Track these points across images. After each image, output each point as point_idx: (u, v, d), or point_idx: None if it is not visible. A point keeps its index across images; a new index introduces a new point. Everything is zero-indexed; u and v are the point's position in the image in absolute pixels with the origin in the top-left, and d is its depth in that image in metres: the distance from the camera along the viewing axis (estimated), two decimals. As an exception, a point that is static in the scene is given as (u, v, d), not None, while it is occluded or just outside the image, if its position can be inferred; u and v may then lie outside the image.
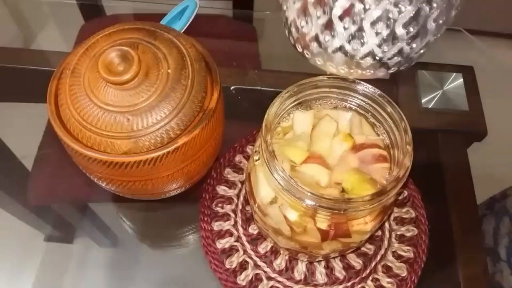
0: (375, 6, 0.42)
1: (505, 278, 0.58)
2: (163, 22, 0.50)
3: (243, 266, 0.44)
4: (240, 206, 0.48)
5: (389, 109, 0.37)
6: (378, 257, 0.45)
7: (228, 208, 0.48)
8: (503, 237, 0.59)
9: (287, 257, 0.45)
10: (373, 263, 0.45)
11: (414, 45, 0.47)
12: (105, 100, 0.36)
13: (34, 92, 0.52)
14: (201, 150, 0.39)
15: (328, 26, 0.46)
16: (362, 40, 0.46)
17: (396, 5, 0.42)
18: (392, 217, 0.48)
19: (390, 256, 0.45)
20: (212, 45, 0.45)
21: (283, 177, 0.33)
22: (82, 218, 0.52)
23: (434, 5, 0.43)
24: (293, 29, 0.51)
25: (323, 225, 0.35)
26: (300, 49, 0.52)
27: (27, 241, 0.50)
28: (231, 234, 0.46)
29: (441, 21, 0.46)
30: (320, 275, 0.44)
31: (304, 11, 0.47)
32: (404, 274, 0.44)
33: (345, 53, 0.48)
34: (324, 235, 0.36)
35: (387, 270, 0.45)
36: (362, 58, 0.48)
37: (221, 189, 0.49)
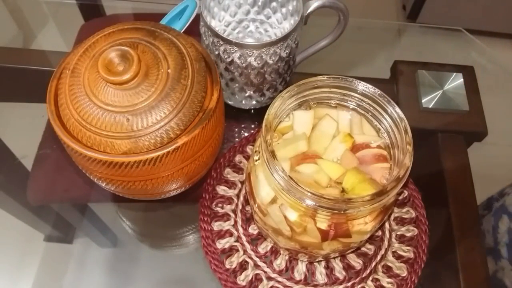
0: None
1: (507, 275, 0.59)
2: (163, 22, 0.50)
3: (243, 266, 0.44)
4: (240, 206, 0.48)
5: (389, 109, 0.37)
6: (378, 257, 0.45)
7: (228, 208, 0.48)
8: (503, 236, 0.60)
9: (287, 257, 0.45)
10: (373, 263, 0.45)
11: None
12: (105, 100, 0.36)
13: (34, 92, 0.52)
14: (201, 150, 0.39)
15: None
16: None
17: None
18: (392, 217, 0.48)
19: (390, 256, 0.45)
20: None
21: (283, 177, 0.33)
22: (82, 218, 0.52)
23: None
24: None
25: (323, 225, 0.35)
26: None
27: (27, 241, 0.50)
28: (231, 234, 0.46)
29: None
30: (320, 275, 0.44)
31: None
32: (404, 274, 0.44)
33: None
34: (324, 235, 0.36)
35: (387, 270, 0.45)
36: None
37: (221, 189, 0.49)
